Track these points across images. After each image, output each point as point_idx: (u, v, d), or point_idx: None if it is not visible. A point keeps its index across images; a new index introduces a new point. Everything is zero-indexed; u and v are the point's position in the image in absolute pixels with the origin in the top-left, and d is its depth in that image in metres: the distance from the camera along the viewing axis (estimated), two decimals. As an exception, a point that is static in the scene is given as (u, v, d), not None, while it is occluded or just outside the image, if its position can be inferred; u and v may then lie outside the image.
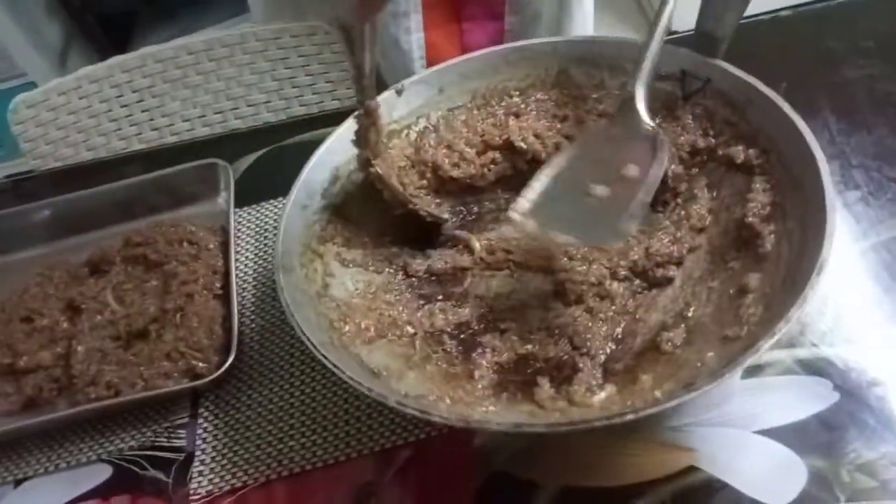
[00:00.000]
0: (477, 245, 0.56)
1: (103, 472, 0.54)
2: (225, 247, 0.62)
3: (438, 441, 0.51)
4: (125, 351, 0.57)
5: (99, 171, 0.75)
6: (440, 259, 0.56)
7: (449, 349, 0.50)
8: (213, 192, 0.67)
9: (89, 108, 0.77)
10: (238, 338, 0.55)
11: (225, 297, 0.58)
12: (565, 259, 0.52)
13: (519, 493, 0.48)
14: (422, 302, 0.54)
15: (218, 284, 0.59)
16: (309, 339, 0.44)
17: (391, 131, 0.60)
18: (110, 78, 0.75)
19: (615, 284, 0.48)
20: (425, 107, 0.61)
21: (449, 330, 0.51)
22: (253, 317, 0.60)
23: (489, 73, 0.61)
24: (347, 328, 0.49)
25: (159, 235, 0.61)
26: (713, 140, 0.53)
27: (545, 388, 0.43)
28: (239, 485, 0.51)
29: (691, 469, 0.47)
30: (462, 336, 0.51)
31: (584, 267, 0.50)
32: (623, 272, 0.49)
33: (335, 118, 0.65)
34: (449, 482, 0.49)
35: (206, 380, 0.54)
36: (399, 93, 0.59)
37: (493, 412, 0.43)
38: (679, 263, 0.49)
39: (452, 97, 0.62)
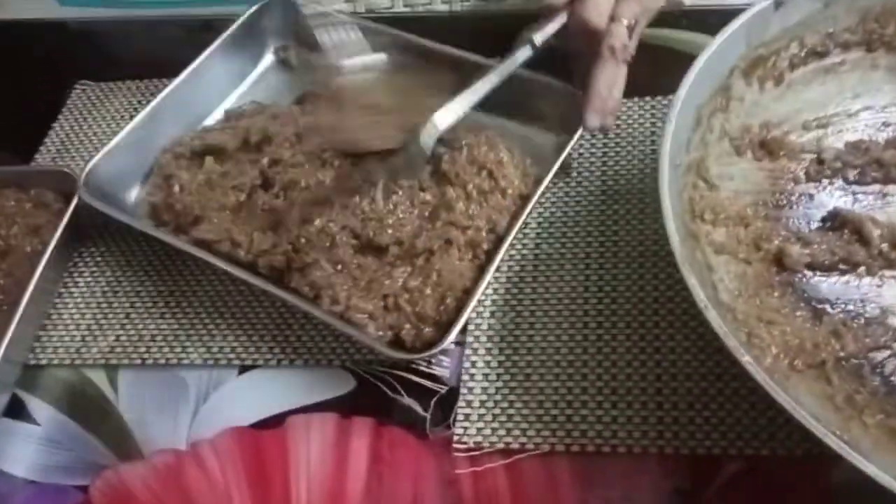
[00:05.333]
0: (875, 233, 0.42)
1: (345, 383, 0.45)
2: (523, 200, 0.48)
3: (782, 463, 0.39)
4: (351, 255, 0.46)
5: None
6: (825, 250, 0.42)
7: (874, 388, 0.37)
8: (553, 122, 0.52)
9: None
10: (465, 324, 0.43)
11: (481, 266, 0.45)
12: None
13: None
14: (811, 311, 0.40)
15: (485, 246, 0.46)
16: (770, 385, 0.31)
17: (757, 57, 0.45)
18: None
19: None
20: (802, 26, 0.46)
21: (863, 357, 0.38)
22: (535, 246, 0.49)
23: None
24: (768, 360, 0.36)
25: (475, 147, 0.48)
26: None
27: None
28: (515, 446, 0.41)
29: None
30: (884, 367, 0.38)
31: None
32: None
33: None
34: (795, 520, 0.37)
35: (399, 356, 0.43)
36: (778, 5, 0.44)
37: None
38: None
39: (837, 16, 0.46)
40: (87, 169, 0.50)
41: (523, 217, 0.45)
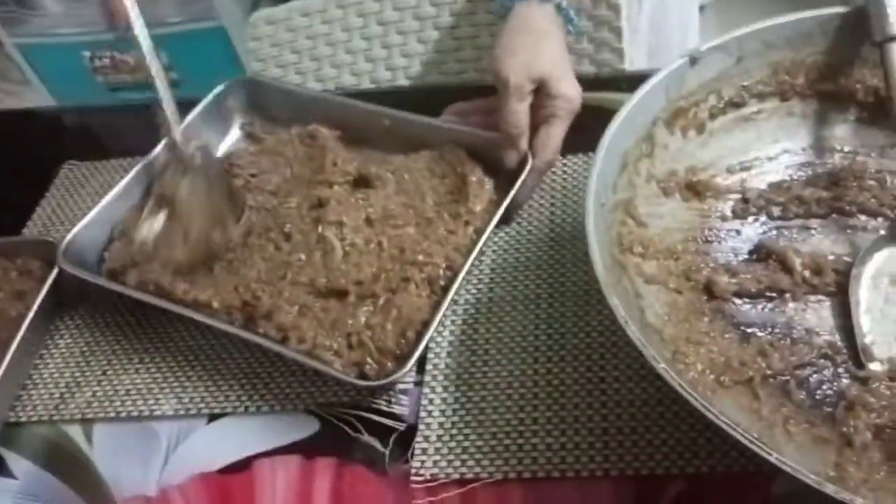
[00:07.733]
0: (797, 262, 0.45)
1: (309, 426, 0.47)
2: (478, 235, 0.51)
3: (724, 480, 0.40)
4: (314, 299, 0.50)
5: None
6: (752, 279, 0.45)
7: (799, 401, 0.40)
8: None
9: (329, 36, 0.71)
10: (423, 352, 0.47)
11: (438, 302, 0.48)
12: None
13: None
14: (739, 334, 0.43)
15: (442, 283, 0.49)
16: (703, 405, 0.33)
17: (677, 109, 0.49)
18: (359, 6, 0.69)
19: None
20: (718, 80, 0.50)
21: (789, 374, 0.41)
22: (488, 279, 0.52)
23: (798, 44, 0.49)
24: (691, 374, 0.39)
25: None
26: None
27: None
28: (469, 476, 0.43)
29: None
30: (809, 382, 0.41)
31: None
32: None
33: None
34: (736, 535, 0.39)
35: (367, 384, 0.45)
36: (693, 62, 0.49)
37: None
38: None
39: (750, 70, 0.50)
40: (66, 239, 0.54)
41: (477, 249, 0.49)
